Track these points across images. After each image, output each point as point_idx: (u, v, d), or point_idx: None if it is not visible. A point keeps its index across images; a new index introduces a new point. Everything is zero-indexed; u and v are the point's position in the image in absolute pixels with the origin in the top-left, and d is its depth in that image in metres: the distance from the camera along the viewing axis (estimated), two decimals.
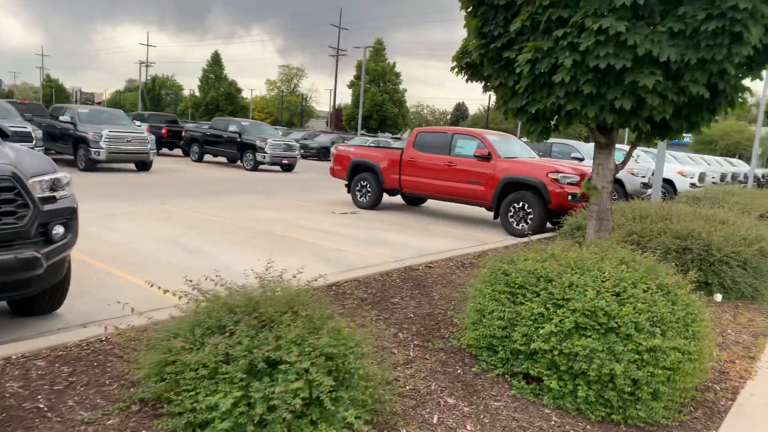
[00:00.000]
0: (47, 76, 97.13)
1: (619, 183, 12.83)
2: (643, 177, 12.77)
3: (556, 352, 3.01)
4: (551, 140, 14.34)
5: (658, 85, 4.21)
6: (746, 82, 5.02)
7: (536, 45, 4.56)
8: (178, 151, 23.90)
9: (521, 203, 8.68)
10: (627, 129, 5.60)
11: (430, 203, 12.27)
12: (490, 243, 7.92)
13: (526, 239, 8.17)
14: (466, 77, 5.93)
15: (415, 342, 3.65)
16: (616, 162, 5.68)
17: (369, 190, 10.72)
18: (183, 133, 22.65)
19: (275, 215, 9.23)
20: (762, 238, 6.48)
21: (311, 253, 6.52)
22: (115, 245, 6.23)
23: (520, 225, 8.73)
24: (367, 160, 10.71)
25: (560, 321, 3.04)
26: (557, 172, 8.45)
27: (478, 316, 3.46)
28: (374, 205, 10.74)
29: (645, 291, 3.17)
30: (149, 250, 6.10)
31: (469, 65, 5.77)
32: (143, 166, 16.04)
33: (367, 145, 21.64)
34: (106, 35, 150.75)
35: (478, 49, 5.22)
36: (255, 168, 19.35)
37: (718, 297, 5.90)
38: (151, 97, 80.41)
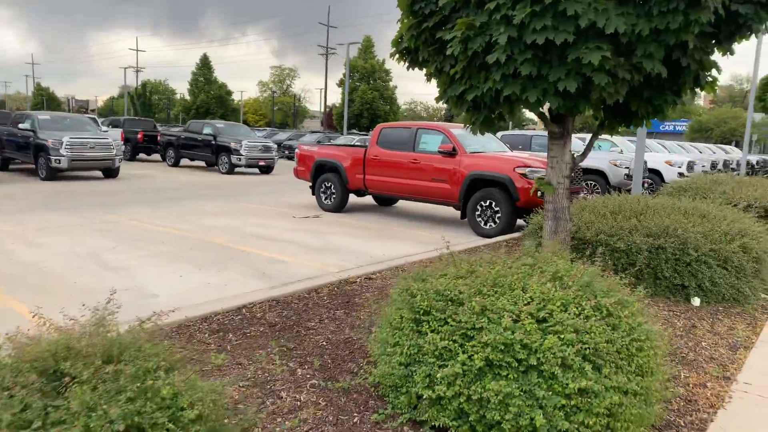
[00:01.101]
0: (38, 84, 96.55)
1: (602, 175, 12.20)
2: (627, 168, 12.12)
3: (463, 398, 2.39)
4: (531, 132, 13.71)
5: (605, 61, 3.58)
6: (716, 58, 4.40)
7: (467, 21, 3.93)
8: (157, 156, 23.26)
9: (488, 201, 8.05)
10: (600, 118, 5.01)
11: (403, 203, 11.64)
12: (454, 245, 7.26)
13: (491, 240, 7.57)
14: (406, 64, 5.30)
15: (313, 381, 3.02)
16: (575, 154, 5.05)
17: (333, 191, 10.09)
18: (158, 138, 22.00)
19: (229, 222, 8.61)
20: (745, 232, 5.85)
21: (247, 265, 5.89)
22: (23, 264, 5.60)
23: (488, 225, 8.10)
24: (330, 159, 10.07)
25: (469, 358, 2.41)
26: (525, 166, 7.82)
27: (382, 348, 2.83)
28: (339, 207, 10.10)
29: (578, 314, 2.54)
30: (61, 270, 5.47)
31: (408, 50, 5.14)
32: (110, 173, 15.42)
33: (352, 144, 20.97)
34: (101, 42, 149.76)
35: (410, 31, 4.59)
36: (231, 171, 18.71)
37: (696, 301, 5.28)
38: (142, 102, 79.75)
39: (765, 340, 4.43)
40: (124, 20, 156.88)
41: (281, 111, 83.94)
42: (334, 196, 10.09)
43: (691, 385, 3.48)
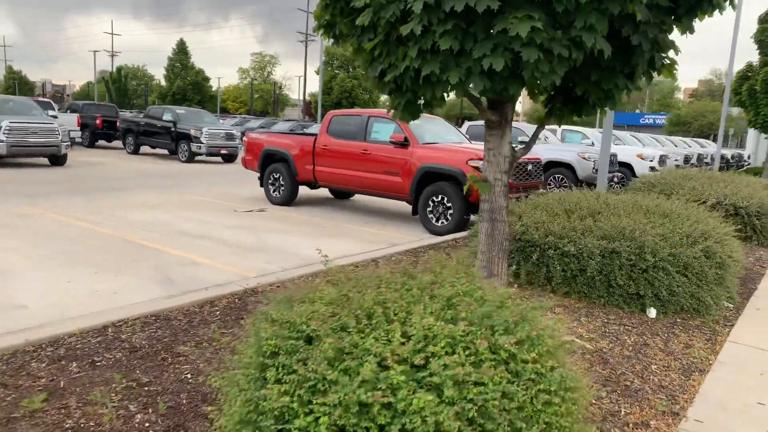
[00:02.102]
0: (9, 68, 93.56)
1: (570, 169, 11.67)
2: (596, 162, 11.59)
3: None
4: None
5: (536, 34, 2.95)
6: (674, 36, 3.81)
7: None
8: (118, 144, 22.23)
9: (440, 196, 7.43)
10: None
11: (361, 196, 10.99)
12: (400, 245, 6.67)
13: (440, 239, 6.97)
14: (332, 40, 4.63)
15: None
16: (515, 146, 4.44)
17: (282, 183, 9.39)
18: (118, 124, 21.00)
19: (159, 216, 7.88)
20: (709, 234, 5.32)
21: (154, 268, 5.20)
22: None
23: (440, 222, 7.50)
24: (279, 148, 9.35)
25: (315, 421, 1.78)
26: (479, 159, 7.21)
27: (223, 399, 2.19)
28: (289, 200, 9.41)
29: (468, 358, 1.92)
30: None
31: (330, 24, 4.47)
32: (56, 160, 14.49)
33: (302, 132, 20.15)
34: (80, 25, 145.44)
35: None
36: (191, 159, 17.87)
37: (652, 312, 4.73)
38: (117, 87, 77.59)
39: (723, 361, 3.89)
40: (106, 3, 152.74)
41: (262, 99, 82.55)
42: (282, 188, 9.39)
43: (630, 426, 2.90)
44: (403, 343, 1.94)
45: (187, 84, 70.95)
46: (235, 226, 7.49)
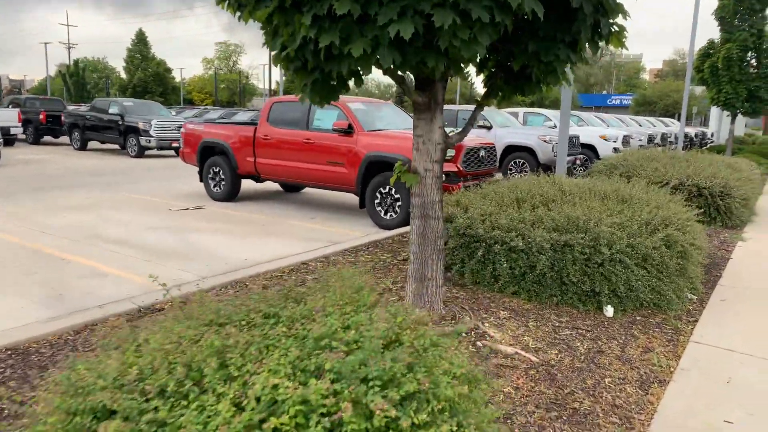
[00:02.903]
0: None
1: (531, 153, 11.23)
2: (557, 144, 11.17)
3: None
4: (457, 107, 12.58)
5: None
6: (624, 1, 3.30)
7: None
8: (66, 139, 21.04)
9: (388, 187, 6.88)
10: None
11: (314, 189, 10.36)
12: (341, 242, 6.10)
13: (388, 234, 6.42)
14: (238, 14, 4.00)
15: None
16: (453, 131, 3.91)
17: (223, 177, 8.71)
18: (63, 119, 19.84)
19: (82, 219, 7.14)
20: (670, 220, 4.89)
21: (47, 283, 4.53)
22: None
23: (389, 215, 6.95)
24: (217, 140, 8.65)
25: None
26: None
27: None
28: (230, 196, 8.74)
29: None
30: None
31: None
32: None
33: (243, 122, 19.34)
34: (38, 18, 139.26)
35: None
36: (140, 154, 16.93)
37: (609, 311, 4.27)
38: (75, 81, 74.74)
39: (686, 367, 3.44)
40: None
41: (228, 89, 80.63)
42: (223, 183, 8.71)
43: None
44: (235, 416, 1.37)
45: (148, 75, 68.76)
46: (163, 227, 6.82)
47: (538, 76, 3.59)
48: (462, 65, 2.96)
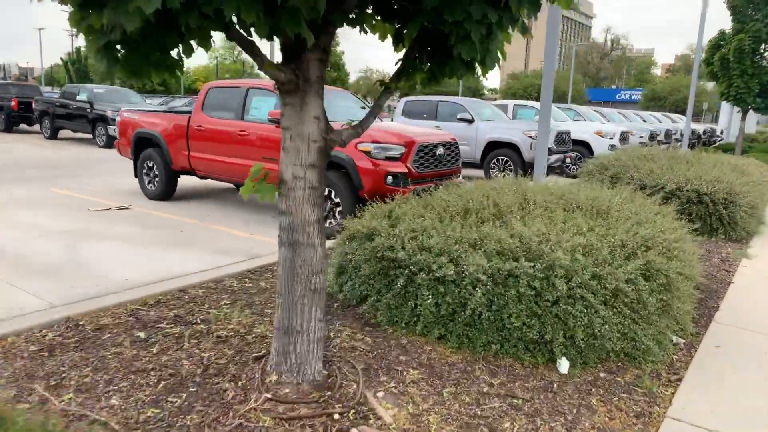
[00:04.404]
0: None
1: (515, 150, 10.11)
2: None
3: None
4: (437, 98, 11.47)
5: None
6: None
7: None
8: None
9: (328, 190, 5.83)
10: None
11: None
12: (261, 257, 5.09)
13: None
14: None
15: None
16: (346, 125, 2.88)
17: (157, 173, 7.69)
18: (33, 105, 18.88)
19: None
20: (654, 242, 3.84)
21: None
22: None
23: (329, 222, 5.91)
24: (150, 130, 7.61)
25: None
26: (373, 141, 5.58)
27: None
28: (165, 194, 7.71)
29: None
30: None
31: None
32: None
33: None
34: (47, 5, 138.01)
35: None
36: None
37: (563, 365, 3.23)
38: (77, 69, 74.01)
39: None
40: None
41: (233, 79, 79.81)
42: (158, 179, 7.69)
43: None
44: None
45: None
46: (64, 232, 5.81)
47: (468, 51, 2.53)
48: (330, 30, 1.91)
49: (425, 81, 2.95)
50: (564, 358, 3.25)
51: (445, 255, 3.49)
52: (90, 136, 17.32)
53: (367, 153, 5.49)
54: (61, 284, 4.20)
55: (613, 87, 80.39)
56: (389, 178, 5.45)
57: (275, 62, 2.44)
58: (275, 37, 2.44)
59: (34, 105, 18.78)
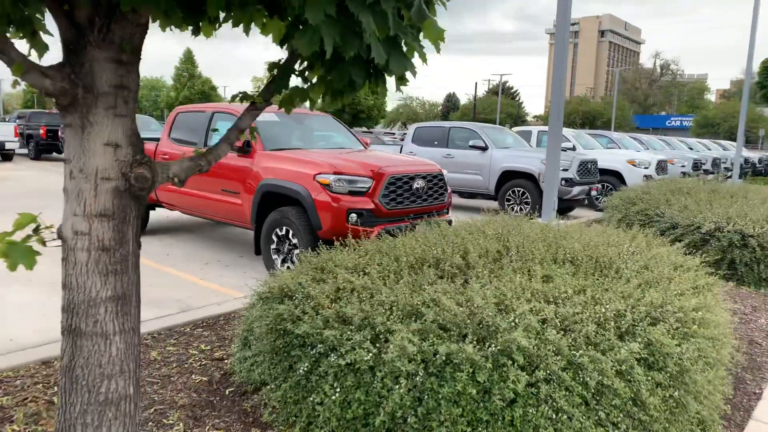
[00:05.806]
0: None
1: (532, 180, 9.06)
2: (566, 170, 8.98)
3: None
4: (449, 124, 10.54)
5: None
6: None
7: None
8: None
9: (284, 228, 5.00)
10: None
11: None
12: (193, 309, 4.28)
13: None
14: None
15: None
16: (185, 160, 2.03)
17: None
18: (60, 134, 19.05)
19: None
20: (664, 312, 2.82)
21: None
22: None
23: (286, 265, 5.06)
24: None
25: None
26: (335, 172, 4.73)
27: None
28: None
29: None
30: None
31: None
32: None
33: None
34: None
35: None
36: None
37: None
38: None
39: None
40: None
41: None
42: None
43: None
44: None
45: (194, 93, 70.22)
46: None
47: (380, 60, 1.67)
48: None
49: (325, 95, 2.10)
50: None
51: (368, 329, 2.57)
52: None
53: (326, 186, 4.64)
54: None
55: (663, 113, 77.62)
56: (352, 216, 4.58)
57: (37, 64, 1.64)
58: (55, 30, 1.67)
59: (60, 133, 18.97)
